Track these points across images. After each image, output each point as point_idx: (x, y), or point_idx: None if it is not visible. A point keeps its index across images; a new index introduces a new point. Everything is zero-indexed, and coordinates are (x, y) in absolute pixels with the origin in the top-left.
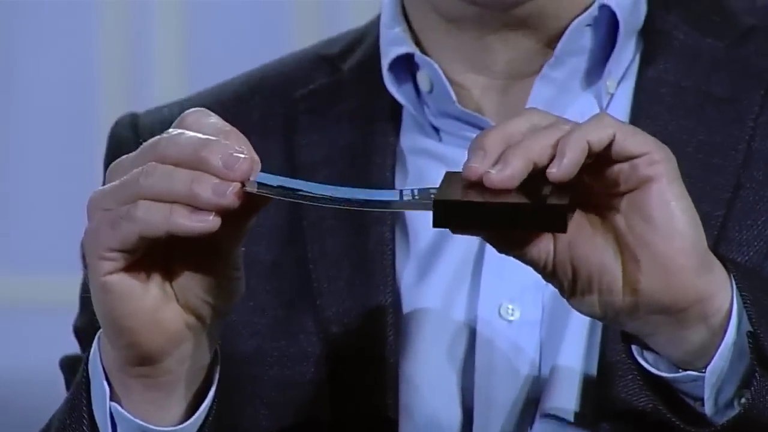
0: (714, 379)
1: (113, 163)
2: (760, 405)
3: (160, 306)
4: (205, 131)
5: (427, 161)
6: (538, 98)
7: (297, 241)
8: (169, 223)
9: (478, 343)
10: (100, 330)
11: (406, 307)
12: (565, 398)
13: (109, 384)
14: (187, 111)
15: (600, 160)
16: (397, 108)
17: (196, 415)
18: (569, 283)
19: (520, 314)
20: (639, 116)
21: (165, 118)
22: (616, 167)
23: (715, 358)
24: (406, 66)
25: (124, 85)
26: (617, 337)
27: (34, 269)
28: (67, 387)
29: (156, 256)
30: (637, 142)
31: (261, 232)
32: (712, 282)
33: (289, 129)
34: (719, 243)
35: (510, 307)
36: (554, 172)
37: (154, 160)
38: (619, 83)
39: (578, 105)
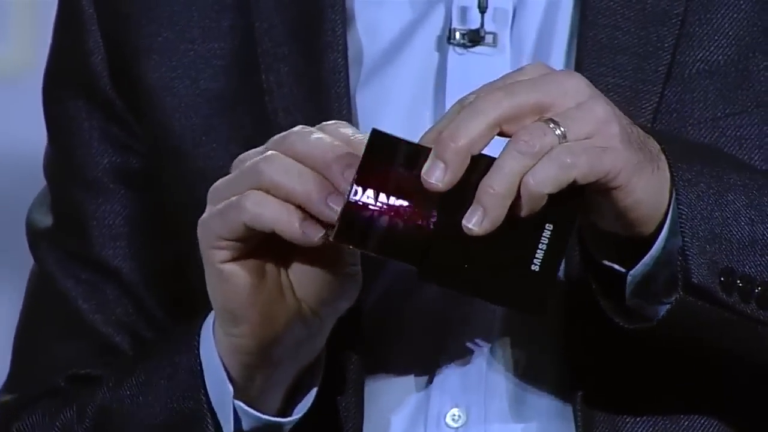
0: (640, 272)
1: (239, 156)
2: (675, 323)
3: (276, 298)
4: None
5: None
6: None
7: (254, 70)
8: (277, 224)
9: None
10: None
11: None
12: None
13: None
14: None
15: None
16: None
17: (301, 406)
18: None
19: None
20: None
21: None
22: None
23: (642, 260)
24: None
25: None
26: None
27: None
28: (30, 246)
29: (271, 249)
30: (597, 170)
31: (219, 65)
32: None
33: None
34: (680, 41)
35: None
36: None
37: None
38: None
39: None
